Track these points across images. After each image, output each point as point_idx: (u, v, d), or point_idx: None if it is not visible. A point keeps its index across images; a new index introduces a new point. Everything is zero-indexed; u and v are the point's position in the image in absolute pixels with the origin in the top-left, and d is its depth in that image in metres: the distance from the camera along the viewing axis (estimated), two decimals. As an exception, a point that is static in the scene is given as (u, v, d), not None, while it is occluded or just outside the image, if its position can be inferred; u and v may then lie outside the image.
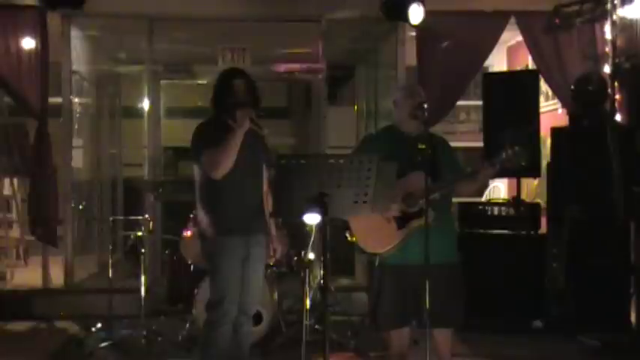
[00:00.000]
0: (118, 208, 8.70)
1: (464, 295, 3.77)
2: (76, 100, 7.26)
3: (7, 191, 8.19)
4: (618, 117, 6.15)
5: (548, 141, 6.34)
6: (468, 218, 6.20)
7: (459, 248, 3.86)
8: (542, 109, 6.54)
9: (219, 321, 3.99)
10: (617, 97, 6.14)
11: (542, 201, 6.46)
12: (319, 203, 2.98)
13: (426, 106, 3.69)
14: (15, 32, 6.51)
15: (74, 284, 6.87)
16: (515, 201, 6.17)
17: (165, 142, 8.70)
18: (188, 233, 5.45)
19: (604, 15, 6.18)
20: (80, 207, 7.18)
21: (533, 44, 6.83)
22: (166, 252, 6.03)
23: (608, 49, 6.26)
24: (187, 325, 5.45)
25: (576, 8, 6.29)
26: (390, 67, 7.34)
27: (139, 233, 5.60)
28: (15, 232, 8.34)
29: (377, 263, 3.75)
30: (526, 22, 6.80)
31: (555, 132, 6.28)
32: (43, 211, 6.60)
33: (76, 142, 7.29)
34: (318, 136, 7.37)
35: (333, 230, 3.36)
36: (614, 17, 6.08)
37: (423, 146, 3.48)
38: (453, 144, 3.98)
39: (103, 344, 5.34)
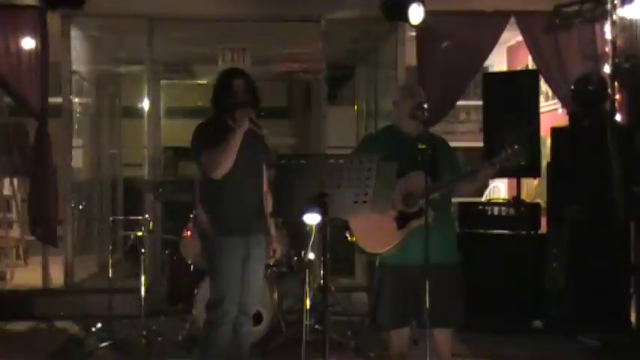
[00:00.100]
0: (118, 208, 8.71)
1: (464, 295, 3.77)
2: (76, 100, 7.26)
3: (7, 191, 8.20)
4: (618, 117, 6.15)
5: (548, 141, 6.34)
6: (468, 218, 6.20)
7: (459, 248, 3.86)
8: (542, 109, 6.54)
9: (219, 321, 3.99)
10: (617, 97, 6.14)
11: (542, 201, 6.46)
12: (319, 203, 2.98)
13: (425, 106, 3.70)
14: (15, 32, 6.51)
15: (74, 284, 6.87)
16: (515, 201, 6.17)
17: (165, 142, 8.70)
18: (188, 233, 5.46)
19: (604, 15, 6.18)
20: (80, 207, 7.18)
21: (533, 44, 6.83)
22: (166, 252, 6.03)
23: (608, 49, 6.26)
24: (187, 325, 5.44)
25: (576, 8, 6.29)
26: (390, 67, 7.34)
27: (139, 233, 5.60)
28: (15, 232, 8.35)
29: (377, 263, 3.75)
30: (526, 22, 6.80)
31: (555, 132, 6.28)
32: (43, 211, 6.60)
33: (76, 142, 7.29)
34: (318, 136, 7.37)
35: (333, 230, 3.37)
36: (614, 17, 6.08)
37: (423, 146, 3.49)
38: (452, 144, 3.99)
39: (103, 344, 5.33)
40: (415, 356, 3.94)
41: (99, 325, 5.71)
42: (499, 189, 8.28)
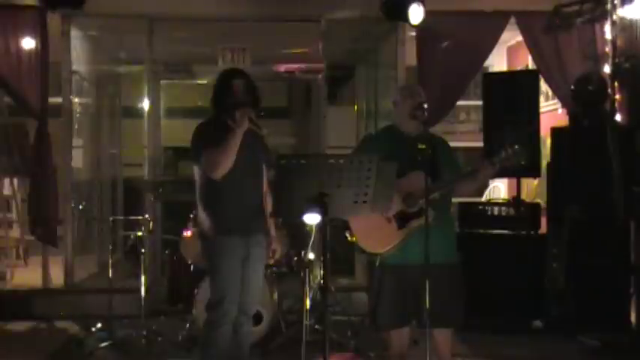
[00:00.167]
0: (118, 208, 8.71)
1: (464, 295, 3.77)
2: (76, 100, 7.26)
3: (7, 191, 8.20)
4: (618, 117, 6.15)
5: (548, 141, 6.34)
6: (468, 218, 6.20)
7: (459, 248, 3.86)
8: (542, 109, 6.54)
9: (219, 321, 3.99)
10: (617, 97, 6.14)
11: (542, 201, 6.46)
12: (319, 203, 2.98)
13: (425, 106, 3.69)
14: (15, 32, 6.51)
15: (74, 284, 6.87)
16: (515, 201, 6.17)
17: (165, 142, 8.70)
18: (188, 233, 5.46)
19: (604, 15, 6.18)
20: (80, 207, 7.18)
21: (533, 44, 6.83)
22: (166, 252, 6.03)
23: (608, 49, 6.26)
24: (187, 325, 5.44)
25: (576, 8, 6.29)
26: (390, 67, 7.34)
27: (139, 233, 5.61)
28: (15, 232, 8.35)
29: (377, 263, 3.76)
30: (526, 22, 6.80)
31: (555, 132, 6.28)
32: (43, 211, 6.60)
33: (76, 142, 7.29)
34: (318, 136, 7.37)
35: (333, 230, 3.37)
36: (614, 17, 6.08)
37: (423, 146, 3.49)
38: (452, 144, 3.99)
39: (103, 344, 5.34)
40: (415, 356, 3.94)
41: (99, 325, 5.71)
42: (499, 189, 8.28)
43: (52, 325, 6.20)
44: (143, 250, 5.50)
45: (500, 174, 4.67)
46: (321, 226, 3.09)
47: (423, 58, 6.80)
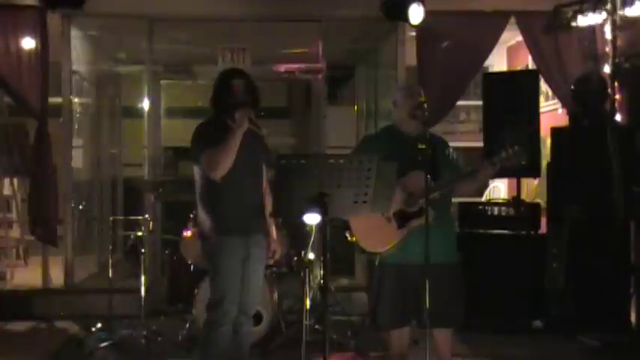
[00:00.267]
0: (118, 208, 8.70)
1: (464, 295, 3.77)
2: (76, 100, 7.26)
3: (7, 191, 8.19)
4: (618, 117, 6.15)
5: (548, 141, 6.34)
6: (468, 218, 6.20)
7: (459, 248, 3.86)
8: (542, 109, 6.54)
9: (219, 321, 3.99)
10: (617, 97, 6.15)
11: (542, 201, 6.46)
12: (319, 203, 2.98)
13: (425, 106, 3.69)
14: (15, 32, 6.51)
15: (74, 284, 6.86)
16: (515, 201, 6.17)
17: (165, 142, 8.69)
18: (188, 233, 5.46)
19: (604, 15, 6.18)
20: (80, 207, 7.18)
21: (533, 44, 6.83)
22: (166, 252, 6.03)
23: (608, 49, 6.26)
24: (187, 325, 5.45)
25: (576, 8, 6.29)
26: (390, 67, 7.34)
27: (139, 233, 5.61)
28: (15, 232, 8.34)
29: (377, 263, 3.76)
30: (526, 22, 6.80)
31: (555, 132, 6.28)
32: (43, 211, 6.60)
33: (76, 142, 7.29)
34: (318, 136, 7.37)
35: (333, 230, 3.36)
36: (614, 17, 6.08)
37: (423, 146, 3.49)
38: (452, 144, 3.99)
39: (103, 344, 5.34)
40: (415, 356, 3.94)
41: (99, 325, 5.71)
42: (499, 189, 8.28)
43: (52, 325, 6.20)
44: (143, 250, 5.50)
45: (500, 174, 4.65)
46: (321, 226, 3.09)
47: (423, 58, 6.80)
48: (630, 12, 5.94)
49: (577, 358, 5.40)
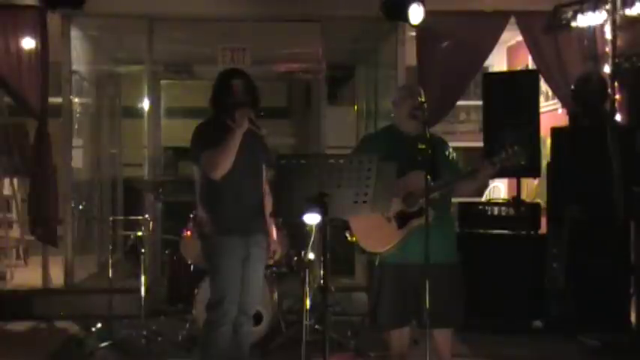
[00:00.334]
0: (118, 208, 8.71)
1: (464, 295, 3.77)
2: (76, 100, 7.26)
3: (7, 191, 8.20)
4: (618, 117, 6.15)
5: (548, 141, 6.34)
6: (468, 218, 6.20)
7: (459, 248, 3.86)
8: (542, 109, 6.54)
9: (219, 321, 3.99)
10: (617, 97, 6.15)
11: (542, 201, 6.45)
12: (319, 203, 2.98)
13: (425, 106, 3.69)
14: (15, 32, 6.51)
15: (74, 284, 6.87)
16: (515, 201, 6.17)
17: (166, 142, 8.71)
18: (188, 233, 5.46)
19: (604, 15, 6.18)
20: (80, 207, 7.18)
21: (533, 44, 6.83)
22: (166, 252, 6.03)
23: (608, 49, 6.26)
24: (187, 325, 5.45)
25: (576, 8, 6.29)
26: (390, 67, 7.34)
27: (139, 233, 5.61)
28: (15, 232, 8.35)
29: (377, 263, 3.76)
30: (526, 22, 6.80)
31: (555, 132, 6.28)
32: (43, 211, 6.60)
33: (76, 142, 7.29)
34: (318, 136, 7.36)
35: (333, 230, 3.36)
36: (614, 17, 6.08)
37: (423, 146, 3.49)
38: (452, 144, 3.99)
39: (103, 344, 5.33)
40: (415, 356, 3.94)
41: (99, 325, 5.71)
42: (499, 189, 8.28)
43: (52, 325, 6.20)
44: (143, 250, 5.50)
45: (500, 174, 4.66)
46: (321, 226, 3.09)
47: (423, 58, 6.80)
48: (630, 12, 5.94)
49: (577, 358, 5.40)
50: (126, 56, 8.58)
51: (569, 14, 6.37)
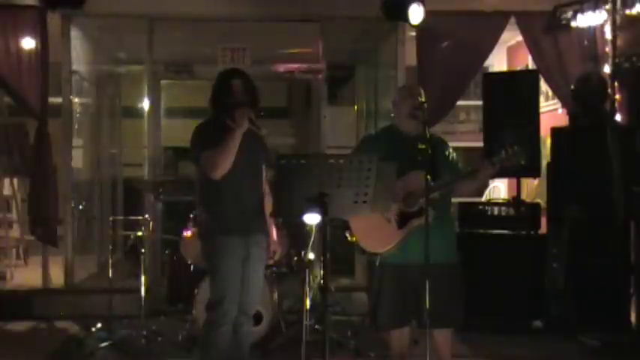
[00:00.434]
0: (118, 208, 8.70)
1: (464, 295, 3.77)
2: (76, 100, 7.26)
3: (7, 191, 8.20)
4: (618, 117, 6.15)
5: (548, 141, 6.34)
6: (468, 218, 6.20)
7: (459, 248, 3.86)
8: (542, 109, 6.54)
9: (219, 321, 3.99)
10: (617, 97, 6.15)
11: (542, 201, 6.45)
12: (319, 203, 2.98)
13: (425, 106, 3.69)
14: (15, 32, 6.51)
15: (74, 284, 6.87)
16: (515, 201, 6.17)
17: (166, 142, 8.70)
18: (188, 233, 5.46)
19: (604, 15, 6.18)
20: (80, 207, 7.19)
21: (533, 44, 6.83)
22: (166, 252, 6.03)
23: (608, 49, 6.26)
24: (187, 325, 5.45)
25: (576, 8, 6.29)
26: (390, 67, 7.34)
27: (139, 233, 5.61)
28: (15, 232, 8.35)
29: (377, 263, 3.76)
30: (526, 22, 6.80)
31: (555, 132, 6.28)
32: (43, 211, 6.60)
33: (76, 142, 7.29)
34: (318, 136, 7.36)
35: (333, 230, 3.37)
36: (614, 17, 6.08)
37: (423, 146, 3.49)
38: (452, 144, 3.98)
39: (103, 344, 5.33)
40: (415, 356, 3.94)
41: (99, 325, 5.71)
42: (499, 189, 8.28)
43: (52, 325, 6.20)
44: (143, 250, 5.50)
45: (500, 174, 4.66)
46: (321, 226, 3.09)
47: (423, 58, 6.80)
48: (630, 12, 5.94)
49: (577, 358, 5.40)
50: (126, 56, 8.58)
51: (569, 14, 6.37)
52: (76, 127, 7.26)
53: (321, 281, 3.83)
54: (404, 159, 3.53)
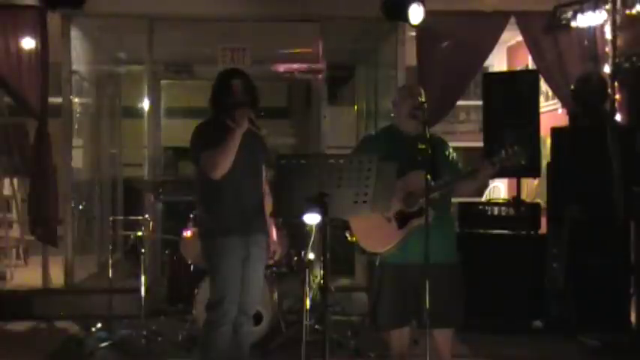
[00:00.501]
0: (118, 208, 8.70)
1: (464, 295, 3.77)
2: (76, 100, 7.26)
3: (7, 191, 8.20)
4: (618, 117, 6.15)
5: (548, 141, 6.34)
6: (468, 218, 6.20)
7: (459, 248, 3.86)
8: (542, 109, 6.54)
9: (219, 321, 3.99)
10: (617, 97, 6.15)
11: (542, 201, 6.46)
12: (319, 203, 2.98)
13: (425, 106, 3.69)
14: (15, 32, 6.52)
15: (74, 284, 6.87)
16: (515, 201, 6.17)
17: (166, 142, 8.70)
18: (188, 233, 5.46)
19: (604, 15, 6.18)
20: (80, 207, 7.18)
21: (533, 44, 6.83)
22: (166, 252, 6.03)
23: (608, 49, 6.26)
24: (187, 325, 5.45)
25: (576, 8, 6.29)
26: (390, 67, 7.34)
27: (139, 233, 5.61)
28: (15, 232, 8.35)
29: (377, 263, 3.75)
30: (526, 22, 6.80)
31: (555, 132, 6.28)
32: (43, 211, 6.60)
33: (76, 142, 7.29)
34: (318, 136, 7.36)
35: (333, 230, 3.36)
36: (614, 17, 6.08)
37: (423, 146, 3.48)
38: (452, 144, 3.98)
39: (103, 344, 5.34)
40: (415, 356, 3.94)
41: (99, 325, 5.71)
42: (499, 189, 8.28)
43: (52, 325, 6.20)
44: (143, 250, 5.50)
45: (500, 174, 4.66)
46: (321, 226, 3.09)
47: (423, 58, 6.80)
48: (630, 12, 5.94)
49: (577, 358, 5.40)
50: (126, 56, 8.58)
51: (569, 14, 6.37)
52: (76, 127, 7.26)
53: (321, 281, 3.83)
54: (404, 159, 3.53)
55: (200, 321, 4.86)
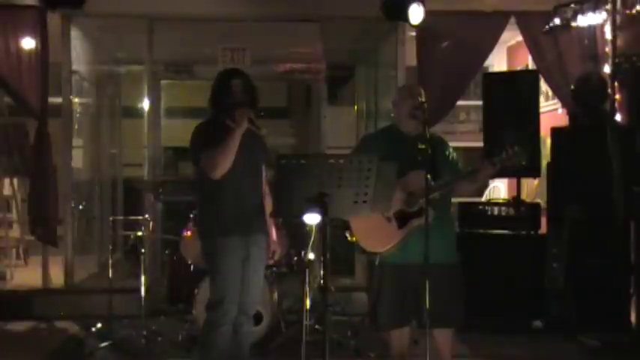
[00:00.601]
0: (118, 208, 8.70)
1: (464, 295, 3.77)
2: (76, 100, 7.26)
3: (7, 191, 8.20)
4: (618, 117, 6.15)
5: (548, 141, 6.34)
6: (468, 218, 6.20)
7: (459, 248, 3.86)
8: (542, 109, 6.54)
9: (219, 321, 3.99)
10: (617, 97, 6.14)
11: (542, 201, 6.46)
12: (319, 203, 2.98)
13: (425, 106, 3.69)
14: (15, 32, 6.52)
15: (74, 284, 6.87)
16: (515, 201, 6.17)
17: (166, 142, 8.71)
18: (188, 233, 5.46)
19: (604, 15, 6.18)
20: (80, 207, 7.18)
21: (533, 44, 6.83)
22: (166, 252, 6.03)
23: (608, 49, 6.26)
24: (187, 325, 5.45)
25: (576, 8, 6.29)
26: (390, 67, 7.34)
27: (139, 233, 5.61)
28: (15, 232, 8.35)
29: (377, 263, 3.75)
30: (526, 22, 6.80)
31: (555, 132, 6.28)
32: (43, 211, 6.60)
33: (76, 142, 7.29)
34: (318, 136, 7.36)
35: (333, 230, 3.36)
36: (614, 17, 6.08)
37: (423, 146, 3.48)
38: (452, 144, 3.98)
39: (103, 344, 5.33)
40: (415, 356, 3.94)
41: (99, 325, 5.71)
42: (499, 189, 8.28)
43: (52, 325, 6.20)
44: (143, 250, 5.50)
45: (500, 174, 4.67)
46: (321, 226, 3.09)
47: (423, 58, 6.81)
48: (630, 12, 5.94)
49: (577, 358, 5.40)
50: (126, 56, 8.57)
51: (569, 14, 6.36)
52: (76, 127, 7.26)
53: (321, 281, 3.82)
54: (404, 159, 3.53)
55: (200, 321, 4.86)
